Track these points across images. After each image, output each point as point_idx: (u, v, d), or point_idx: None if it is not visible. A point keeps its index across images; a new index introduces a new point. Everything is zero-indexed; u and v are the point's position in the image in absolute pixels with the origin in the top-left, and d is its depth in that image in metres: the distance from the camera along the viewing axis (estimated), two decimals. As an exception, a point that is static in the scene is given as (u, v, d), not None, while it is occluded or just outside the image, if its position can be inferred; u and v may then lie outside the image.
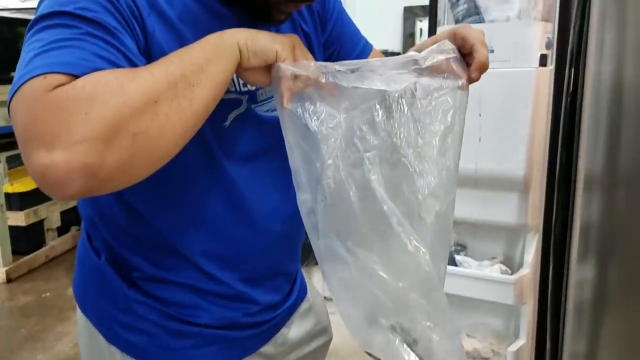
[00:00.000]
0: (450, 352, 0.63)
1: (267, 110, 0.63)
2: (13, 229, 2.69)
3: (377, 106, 0.53)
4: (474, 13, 1.22)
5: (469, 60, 0.58)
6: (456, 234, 1.42)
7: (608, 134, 1.06)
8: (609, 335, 1.08)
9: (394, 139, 0.56)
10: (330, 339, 0.85)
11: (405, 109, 0.54)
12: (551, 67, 1.23)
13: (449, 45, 0.58)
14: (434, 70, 0.57)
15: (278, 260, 0.69)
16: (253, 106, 0.61)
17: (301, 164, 0.59)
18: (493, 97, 1.25)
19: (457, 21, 1.26)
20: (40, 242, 2.87)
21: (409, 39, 2.90)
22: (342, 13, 0.72)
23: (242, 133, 0.60)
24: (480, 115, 1.26)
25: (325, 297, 0.86)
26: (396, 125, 0.55)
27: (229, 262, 0.64)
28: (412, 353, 0.63)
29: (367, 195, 0.58)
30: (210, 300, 0.64)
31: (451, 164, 0.61)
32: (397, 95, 0.53)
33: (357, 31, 0.75)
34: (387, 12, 2.84)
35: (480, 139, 1.27)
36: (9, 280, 2.60)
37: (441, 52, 0.57)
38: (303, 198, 0.60)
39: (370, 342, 0.64)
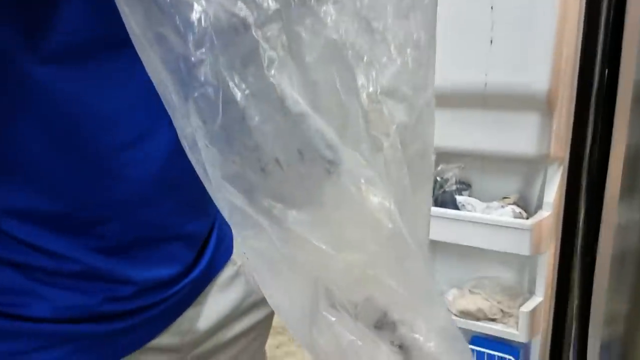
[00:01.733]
0: (446, 351, 0.41)
1: None
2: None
3: None
4: None
5: None
6: (459, 169, 1.19)
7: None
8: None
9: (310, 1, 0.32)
10: (272, 312, 0.64)
11: None
12: (591, -64, 0.94)
13: None
14: None
15: (163, 219, 0.47)
16: None
17: (162, 68, 0.36)
18: (510, -18, 0.97)
19: None
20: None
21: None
22: None
23: (60, 11, 0.37)
24: (492, 8, 0.99)
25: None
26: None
27: (68, 225, 0.42)
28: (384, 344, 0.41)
29: (274, 110, 0.36)
30: (48, 282, 0.43)
31: (422, 35, 0.38)
32: None
33: None
34: None
35: (492, 41, 1.00)
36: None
37: None
38: (180, 125, 0.37)
39: (314, 343, 0.42)
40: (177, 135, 0.38)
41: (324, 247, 0.38)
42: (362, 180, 0.38)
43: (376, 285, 0.39)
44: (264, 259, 0.39)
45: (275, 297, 0.40)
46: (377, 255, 0.38)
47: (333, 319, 0.39)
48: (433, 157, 0.45)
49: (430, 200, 0.45)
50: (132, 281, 0.46)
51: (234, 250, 0.60)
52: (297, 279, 0.39)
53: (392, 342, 0.40)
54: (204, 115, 0.37)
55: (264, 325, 0.64)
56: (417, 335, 0.38)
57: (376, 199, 0.38)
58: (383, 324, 0.40)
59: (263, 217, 0.38)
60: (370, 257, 0.38)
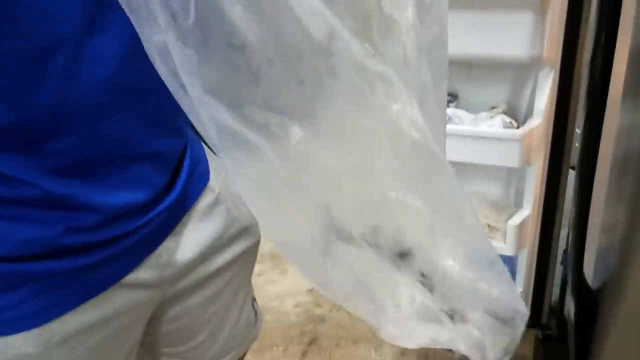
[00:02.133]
0: (481, 278, 0.36)
1: None
2: None
3: None
4: None
5: None
6: (443, 79, 1.12)
7: None
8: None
9: None
10: (258, 241, 0.59)
11: None
12: None
13: None
14: None
15: (124, 132, 0.41)
16: None
17: None
18: None
19: None
20: None
21: None
22: None
23: None
24: None
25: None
26: None
27: (16, 139, 0.36)
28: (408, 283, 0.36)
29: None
30: None
31: None
32: None
33: None
34: None
35: None
36: None
37: None
38: (145, 31, 0.30)
39: (327, 276, 0.37)
40: (131, 28, 0.30)
41: (334, 165, 0.31)
42: (377, 79, 0.30)
43: (398, 208, 0.32)
44: (262, 186, 0.32)
45: (277, 229, 0.33)
46: (399, 172, 0.32)
47: (350, 248, 0.33)
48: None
49: (446, 96, 0.38)
50: (96, 208, 0.39)
51: (212, 176, 0.53)
52: (304, 207, 0.32)
53: (416, 272, 0.35)
54: (172, 9, 0.29)
55: (249, 257, 0.59)
56: (448, 262, 0.33)
57: (395, 103, 0.31)
58: (406, 252, 0.34)
59: (259, 134, 0.30)
60: (390, 176, 0.32)
